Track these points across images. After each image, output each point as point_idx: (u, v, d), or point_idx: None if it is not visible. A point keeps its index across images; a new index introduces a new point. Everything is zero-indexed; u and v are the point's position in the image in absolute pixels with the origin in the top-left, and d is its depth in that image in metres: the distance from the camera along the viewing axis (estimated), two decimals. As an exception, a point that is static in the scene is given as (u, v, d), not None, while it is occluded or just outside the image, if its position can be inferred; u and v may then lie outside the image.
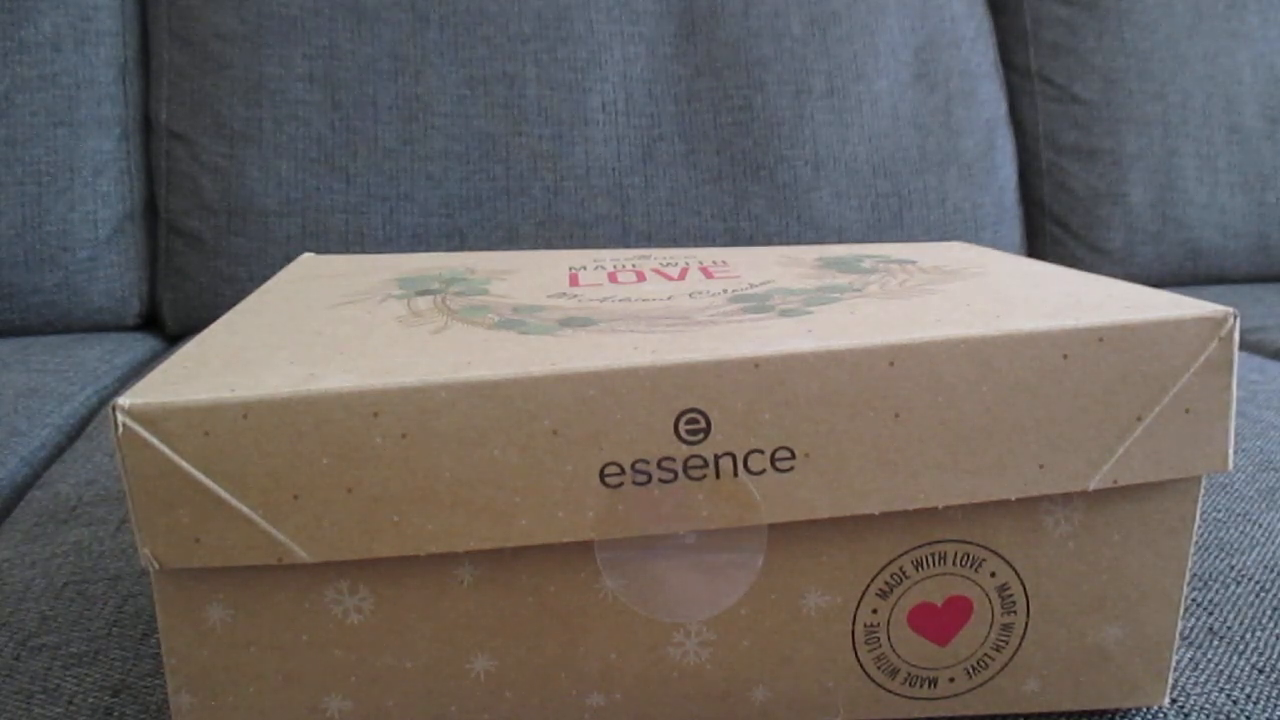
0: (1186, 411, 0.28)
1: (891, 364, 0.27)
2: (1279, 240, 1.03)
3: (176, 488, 0.26)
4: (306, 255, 0.46)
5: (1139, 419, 0.28)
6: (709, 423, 0.27)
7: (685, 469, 0.27)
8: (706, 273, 0.39)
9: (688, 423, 0.27)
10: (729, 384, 0.27)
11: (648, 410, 0.27)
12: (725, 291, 0.35)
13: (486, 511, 0.27)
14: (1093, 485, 0.29)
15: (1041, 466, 0.28)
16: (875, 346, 0.27)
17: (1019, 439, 0.28)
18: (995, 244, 0.98)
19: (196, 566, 0.27)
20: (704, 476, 0.27)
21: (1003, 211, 0.99)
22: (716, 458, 0.27)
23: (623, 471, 0.27)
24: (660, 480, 0.27)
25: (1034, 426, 0.28)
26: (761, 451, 0.27)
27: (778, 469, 0.27)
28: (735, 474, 0.27)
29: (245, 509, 0.26)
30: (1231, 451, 0.29)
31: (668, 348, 0.28)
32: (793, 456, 0.27)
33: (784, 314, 0.31)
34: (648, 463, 0.27)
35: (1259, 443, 0.55)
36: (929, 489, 0.28)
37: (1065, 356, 0.28)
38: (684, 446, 0.27)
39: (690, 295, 0.35)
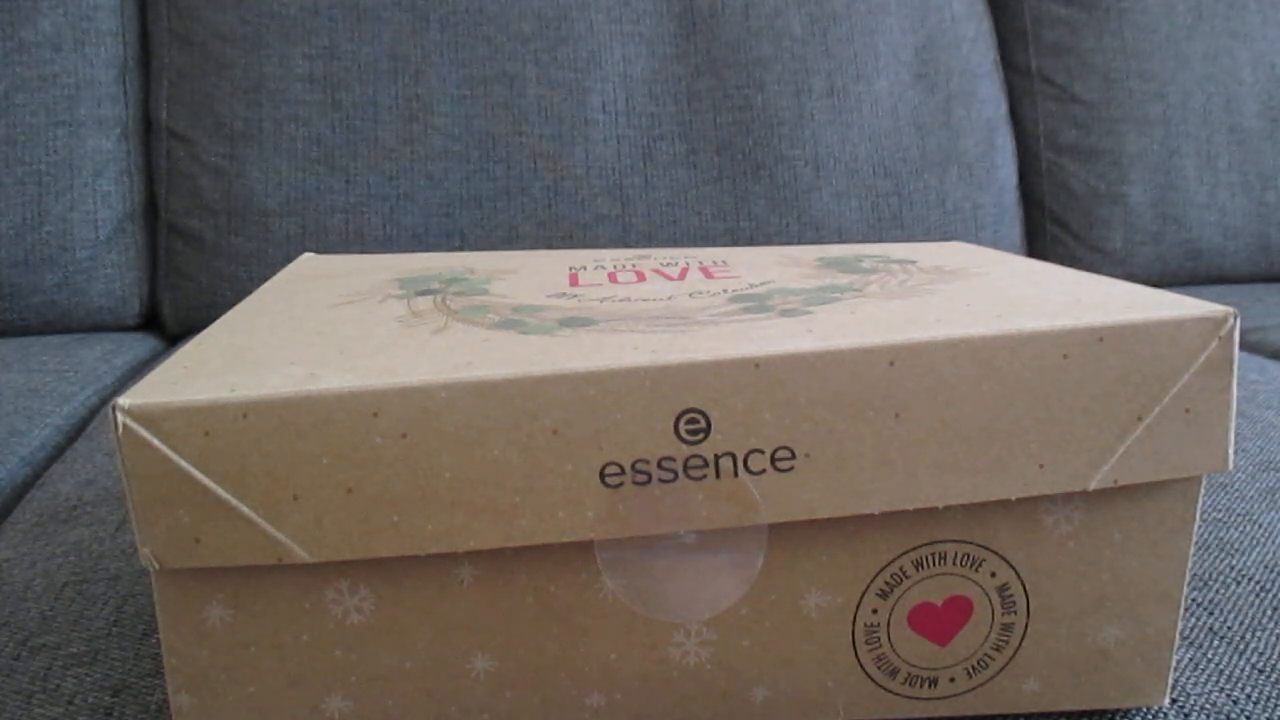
0: (1187, 411, 0.28)
1: (892, 364, 0.27)
2: (1279, 240, 1.03)
3: (176, 488, 0.26)
4: (306, 255, 0.46)
5: (1139, 419, 0.28)
6: (709, 423, 0.27)
7: (685, 469, 0.27)
8: (706, 273, 0.39)
9: (688, 423, 0.27)
10: (729, 384, 0.27)
11: (648, 410, 0.27)
12: (725, 291, 0.35)
13: (486, 511, 0.27)
14: (1093, 485, 0.29)
15: (1041, 466, 0.28)
16: (875, 346, 0.27)
17: (1019, 439, 0.28)
18: (995, 244, 0.98)
19: (196, 566, 0.27)
20: (704, 476, 0.27)
21: (1003, 211, 0.99)
22: (717, 457, 0.27)
23: (623, 471, 0.27)
24: (660, 480, 0.27)
25: (1034, 426, 0.28)
26: (761, 451, 0.27)
27: (778, 469, 0.27)
28: (735, 474, 0.27)
29: (245, 509, 0.26)
30: (1232, 451, 0.29)
31: (668, 348, 0.28)
32: (793, 456, 0.27)
33: (784, 314, 0.31)
34: (648, 462, 0.27)
35: (1259, 443, 0.54)
36: (929, 489, 0.28)
37: (1065, 356, 0.28)
38: (684, 446, 0.27)
39: (690, 295, 0.35)
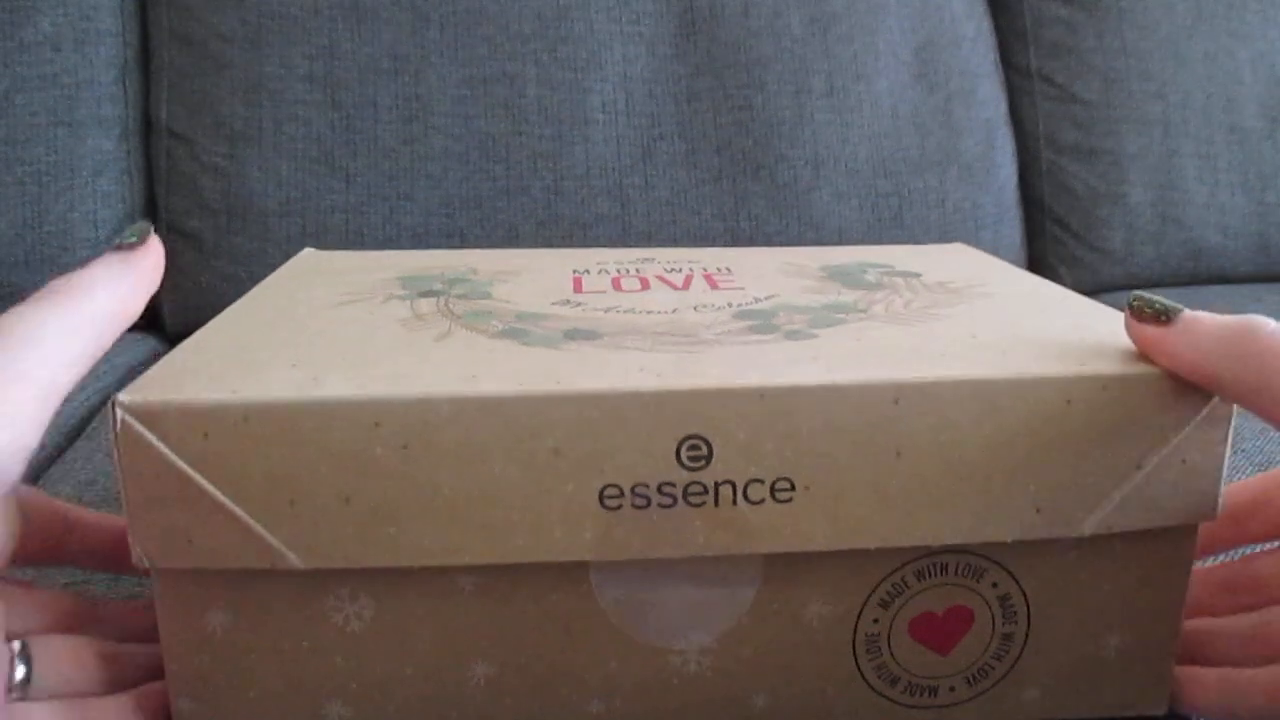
0: (1183, 462, 0.28)
1: (896, 401, 0.27)
2: (1279, 240, 1.03)
3: (172, 486, 0.26)
4: (307, 250, 0.46)
5: (1138, 467, 0.28)
6: (711, 450, 0.27)
7: (685, 495, 0.27)
8: (711, 281, 0.39)
9: (690, 449, 0.27)
10: (733, 412, 0.27)
11: (650, 434, 0.27)
12: (730, 305, 0.35)
13: (484, 527, 0.27)
14: (1087, 531, 0.29)
15: (1038, 511, 0.28)
16: (880, 383, 0.27)
17: (1018, 481, 0.28)
18: (995, 244, 0.97)
19: (188, 567, 0.27)
20: (703, 503, 0.27)
21: (1003, 211, 0.99)
22: (716, 485, 0.27)
23: (622, 494, 0.27)
24: (659, 505, 0.27)
25: (1033, 470, 0.28)
26: (761, 481, 0.27)
27: (777, 500, 0.27)
28: (734, 503, 0.27)
29: (240, 512, 0.26)
30: (1222, 502, 0.29)
31: (673, 371, 0.27)
32: (792, 488, 0.27)
33: (789, 336, 0.31)
34: (648, 486, 0.27)
35: (1259, 443, 0.54)
36: (925, 528, 0.28)
37: (1069, 402, 0.28)
38: (685, 472, 0.27)
39: (695, 309, 0.34)
